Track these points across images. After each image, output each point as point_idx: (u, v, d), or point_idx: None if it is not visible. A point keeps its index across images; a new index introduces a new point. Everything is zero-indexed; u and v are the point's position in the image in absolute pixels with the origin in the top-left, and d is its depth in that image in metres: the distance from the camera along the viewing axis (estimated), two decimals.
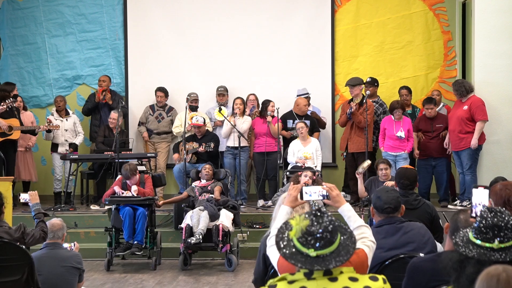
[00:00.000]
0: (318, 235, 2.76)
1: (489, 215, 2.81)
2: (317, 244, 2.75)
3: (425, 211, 6.02)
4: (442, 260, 2.92)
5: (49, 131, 10.92)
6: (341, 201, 3.61)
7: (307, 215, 2.83)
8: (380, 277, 2.91)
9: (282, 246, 2.84)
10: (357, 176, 8.96)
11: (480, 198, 4.53)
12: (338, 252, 2.77)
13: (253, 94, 11.08)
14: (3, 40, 12.17)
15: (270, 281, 2.90)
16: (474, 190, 4.54)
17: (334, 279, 2.79)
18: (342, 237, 2.82)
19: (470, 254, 2.76)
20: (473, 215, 3.53)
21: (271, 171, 10.54)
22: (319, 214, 2.81)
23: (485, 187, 4.47)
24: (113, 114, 11.01)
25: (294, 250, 2.79)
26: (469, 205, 9.45)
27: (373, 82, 10.84)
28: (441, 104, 10.88)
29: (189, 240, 8.23)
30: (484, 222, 2.80)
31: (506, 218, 2.80)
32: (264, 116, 10.67)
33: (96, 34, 12.03)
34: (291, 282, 2.81)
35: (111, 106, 11.31)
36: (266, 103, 10.77)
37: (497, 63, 10.11)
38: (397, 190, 5.66)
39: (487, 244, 2.76)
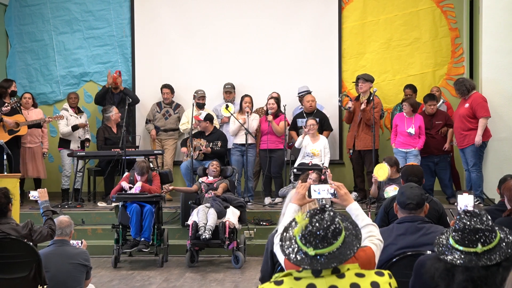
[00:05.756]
0: (317, 234, 2.75)
1: (468, 219, 2.79)
2: (316, 243, 2.74)
3: (433, 208, 5.99)
4: (427, 270, 2.90)
5: (75, 128, 10.94)
6: (349, 200, 3.62)
7: (307, 214, 2.82)
8: (386, 272, 2.91)
9: (285, 245, 2.84)
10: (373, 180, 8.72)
11: (466, 203, 4.54)
12: (340, 251, 2.76)
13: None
14: (11, 37, 12.20)
15: (276, 275, 2.89)
16: (459, 196, 4.53)
17: (341, 276, 2.79)
18: (346, 236, 2.81)
19: (456, 262, 2.75)
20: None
21: (276, 168, 10.54)
22: (319, 212, 2.80)
23: (469, 193, 4.48)
24: (115, 108, 11.07)
25: (296, 248, 2.79)
26: (477, 202, 9.45)
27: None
28: (441, 101, 10.84)
29: (200, 233, 8.19)
30: (463, 226, 2.79)
31: (485, 221, 2.79)
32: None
33: (103, 31, 12.05)
34: (297, 279, 2.81)
35: (122, 95, 11.34)
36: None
37: (505, 60, 10.08)
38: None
39: (471, 249, 2.75)
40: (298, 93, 11.10)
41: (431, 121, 10.30)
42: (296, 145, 10.34)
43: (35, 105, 11.14)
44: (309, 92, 11.07)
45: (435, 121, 10.28)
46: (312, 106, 10.78)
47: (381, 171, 8.05)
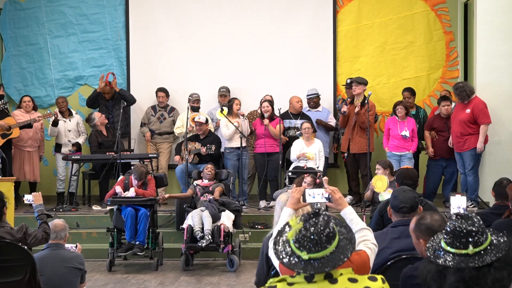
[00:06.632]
0: (311, 238, 2.74)
1: (459, 222, 2.81)
2: (310, 247, 2.74)
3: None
4: (419, 273, 2.92)
5: (55, 124, 10.90)
6: (343, 204, 3.62)
7: (301, 218, 2.83)
8: (379, 277, 2.91)
9: (279, 249, 2.84)
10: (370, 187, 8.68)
11: (458, 204, 4.59)
12: (334, 255, 2.75)
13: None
14: (5, 41, 12.17)
15: (270, 281, 2.89)
16: (452, 197, 4.57)
17: (334, 281, 2.78)
18: (339, 240, 2.81)
19: (448, 263, 2.76)
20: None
21: (272, 171, 10.53)
22: (313, 216, 2.81)
23: (462, 194, 4.52)
24: (97, 113, 11.09)
25: (290, 252, 2.79)
26: (472, 206, 9.46)
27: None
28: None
29: (199, 244, 8.22)
30: (454, 229, 2.80)
31: (476, 223, 2.80)
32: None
33: (98, 34, 12.02)
34: (290, 284, 2.80)
35: (114, 98, 11.35)
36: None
37: (499, 64, 10.10)
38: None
39: (463, 251, 2.76)
40: (307, 95, 11.10)
41: (447, 124, 10.21)
42: (292, 158, 10.32)
43: (35, 108, 11.12)
44: (318, 96, 11.10)
45: (450, 124, 10.20)
46: (302, 107, 10.81)
47: (380, 183, 8.03)
